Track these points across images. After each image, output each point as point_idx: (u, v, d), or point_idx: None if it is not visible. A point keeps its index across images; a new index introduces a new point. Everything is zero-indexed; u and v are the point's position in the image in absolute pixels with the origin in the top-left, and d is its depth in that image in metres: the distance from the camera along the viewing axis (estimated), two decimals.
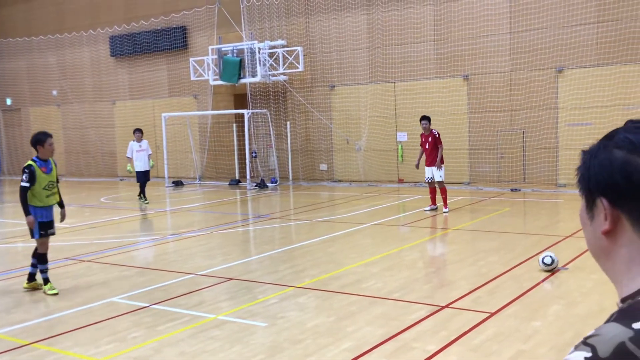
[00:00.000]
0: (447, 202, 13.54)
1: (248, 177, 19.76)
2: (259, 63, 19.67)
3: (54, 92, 26.69)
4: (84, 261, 9.97)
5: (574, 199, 14.31)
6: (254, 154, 20.46)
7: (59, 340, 6.28)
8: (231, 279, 8.42)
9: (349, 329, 6.20)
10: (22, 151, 26.63)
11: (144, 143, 16.97)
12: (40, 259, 8.05)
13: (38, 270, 8.09)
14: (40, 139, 8.02)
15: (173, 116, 22.19)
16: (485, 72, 17.33)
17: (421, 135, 13.73)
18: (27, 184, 7.85)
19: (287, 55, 19.75)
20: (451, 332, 5.98)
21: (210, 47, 20.84)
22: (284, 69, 19.83)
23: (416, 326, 6.20)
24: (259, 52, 19.65)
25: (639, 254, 1.13)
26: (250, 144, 20.08)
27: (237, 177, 21.04)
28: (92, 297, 7.77)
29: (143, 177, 16.84)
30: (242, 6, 20.78)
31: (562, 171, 16.46)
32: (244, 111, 19.99)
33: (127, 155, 17.20)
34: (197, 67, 21.22)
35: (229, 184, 20.77)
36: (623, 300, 1.14)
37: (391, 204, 15.36)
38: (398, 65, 18.61)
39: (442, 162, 13.41)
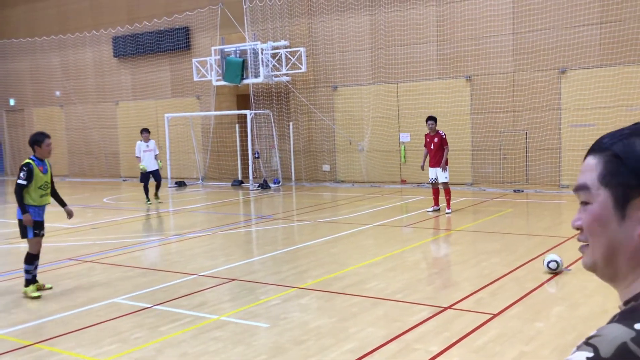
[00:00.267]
0: (450, 203, 13.52)
1: (251, 177, 19.77)
2: (262, 64, 19.68)
3: (57, 93, 26.74)
4: (86, 262, 9.98)
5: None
6: (256, 155, 20.47)
7: (61, 340, 6.29)
8: (234, 279, 8.42)
9: (352, 330, 6.19)
10: (25, 152, 26.61)
11: (151, 143, 16.93)
12: (28, 258, 7.96)
13: (24, 270, 7.99)
14: (38, 139, 8.00)
15: (176, 117, 22.22)
16: (488, 72, 17.31)
17: (425, 135, 13.68)
18: (24, 182, 7.84)
19: (289, 56, 19.76)
20: (454, 333, 5.97)
21: (213, 48, 20.86)
22: (286, 70, 19.84)
23: (419, 327, 6.19)
24: (261, 53, 19.66)
25: None
26: (253, 144, 20.08)
27: (239, 178, 21.05)
28: (94, 298, 7.78)
29: (148, 178, 16.79)
30: (245, 7, 20.80)
31: (565, 172, 16.43)
32: (247, 112, 20.00)
33: (136, 156, 17.14)
34: (200, 67, 21.25)
35: (232, 185, 20.78)
36: (626, 303, 1.13)
37: (394, 204, 15.35)
38: (401, 66, 18.60)
39: (446, 163, 13.38)
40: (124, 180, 24.26)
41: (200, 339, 6.11)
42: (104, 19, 24.80)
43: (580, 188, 1.20)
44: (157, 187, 16.99)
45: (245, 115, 20.06)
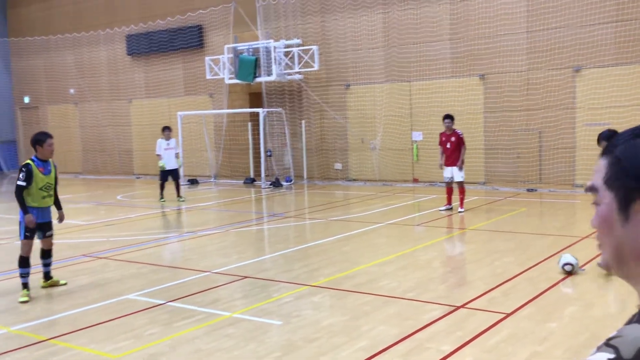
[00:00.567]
0: (464, 202, 13.47)
1: (263, 175, 19.81)
2: (275, 62, 19.70)
3: (72, 91, 26.93)
4: (100, 258, 10.06)
5: (591, 200, 14.17)
6: (269, 153, 20.50)
7: (76, 336, 6.34)
8: (246, 277, 8.45)
9: (364, 328, 6.19)
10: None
11: (172, 141, 16.83)
12: (20, 262, 7.80)
13: (22, 272, 7.81)
14: (39, 139, 7.85)
15: (189, 115, 22.30)
16: (502, 71, 17.22)
17: (441, 134, 13.58)
18: (23, 183, 7.68)
19: (302, 54, 19.76)
20: (466, 332, 5.96)
21: (226, 46, 20.91)
22: (299, 68, 19.85)
23: (431, 326, 6.19)
24: (274, 51, 19.68)
25: None
26: (265, 142, 20.11)
27: (252, 176, 21.10)
28: (108, 294, 7.84)
29: (167, 176, 16.75)
30: (257, 5, 20.82)
31: (579, 172, 16.31)
32: (259, 110, 20.04)
33: (156, 153, 16.88)
34: (213, 65, 21.30)
35: (244, 183, 20.84)
36: None
37: (406, 203, 15.32)
38: (414, 64, 18.55)
39: (463, 162, 13.32)
40: (137, 178, 24.40)
41: (213, 336, 6.14)
42: (118, 17, 24.95)
43: (591, 189, 1.22)
44: (177, 187, 16.80)
45: (257, 114, 20.10)
